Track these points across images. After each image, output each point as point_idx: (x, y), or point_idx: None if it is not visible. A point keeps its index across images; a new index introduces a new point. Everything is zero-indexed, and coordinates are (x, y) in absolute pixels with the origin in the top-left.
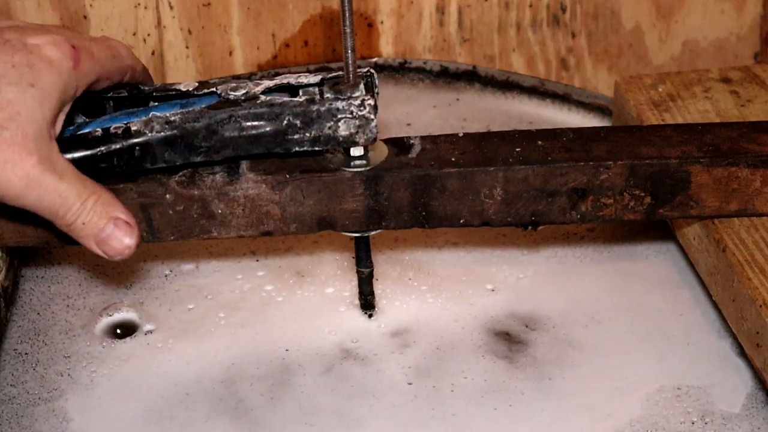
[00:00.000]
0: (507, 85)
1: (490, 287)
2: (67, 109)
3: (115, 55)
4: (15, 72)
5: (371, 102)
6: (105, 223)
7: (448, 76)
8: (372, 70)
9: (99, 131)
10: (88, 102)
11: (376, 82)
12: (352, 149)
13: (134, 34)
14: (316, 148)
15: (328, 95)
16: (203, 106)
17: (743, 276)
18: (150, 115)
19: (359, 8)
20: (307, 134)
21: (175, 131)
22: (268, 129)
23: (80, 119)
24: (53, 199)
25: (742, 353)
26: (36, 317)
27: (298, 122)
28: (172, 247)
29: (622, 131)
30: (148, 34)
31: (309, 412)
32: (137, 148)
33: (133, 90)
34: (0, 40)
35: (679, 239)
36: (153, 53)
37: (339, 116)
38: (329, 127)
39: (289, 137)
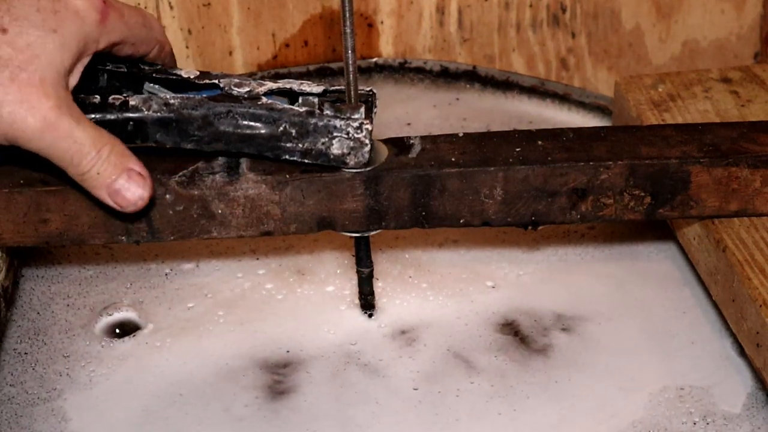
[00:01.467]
0: (507, 85)
1: (490, 284)
2: (86, 61)
3: (146, 24)
4: (39, 16)
5: (369, 127)
6: (119, 174)
7: (448, 76)
8: (374, 90)
9: (97, 98)
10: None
11: (376, 102)
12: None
13: None
14: (306, 161)
15: (327, 111)
16: (204, 95)
17: (743, 276)
18: (149, 94)
19: (359, 8)
20: (300, 145)
21: (171, 114)
22: (263, 131)
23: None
24: (69, 144)
25: (743, 353)
26: (36, 317)
27: (293, 131)
28: (172, 246)
29: (622, 131)
30: None
31: (308, 414)
32: (131, 123)
33: (133, 68)
34: None
35: (679, 239)
36: None
37: (335, 134)
38: (323, 143)
39: (282, 144)
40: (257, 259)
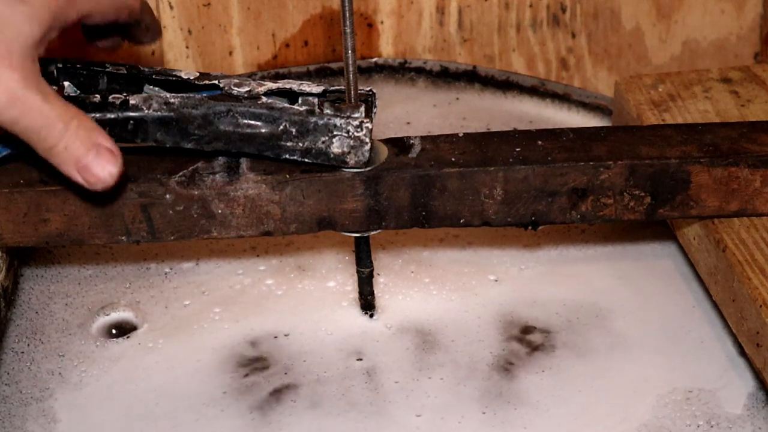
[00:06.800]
0: (507, 85)
1: (493, 278)
2: (53, 35)
3: None
4: None
5: (369, 126)
6: (87, 149)
7: (448, 76)
8: (373, 90)
9: (97, 97)
10: (81, 74)
11: (376, 102)
12: None
13: None
14: (306, 160)
15: (328, 111)
16: (204, 95)
17: (743, 276)
18: (149, 93)
19: (359, 8)
20: (300, 144)
21: (171, 113)
22: (263, 131)
23: (71, 90)
24: (35, 117)
25: (743, 353)
26: (34, 316)
27: (293, 130)
28: (172, 245)
29: (622, 131)
30: None
31: (304, 417)
32: (131, 122)
33: (132, 69)
34: None
35: (679, 239)
36: (153, 53)
37: (335, 133)
38: (323, 142)
39: (282, 143)
40: (258, 256)
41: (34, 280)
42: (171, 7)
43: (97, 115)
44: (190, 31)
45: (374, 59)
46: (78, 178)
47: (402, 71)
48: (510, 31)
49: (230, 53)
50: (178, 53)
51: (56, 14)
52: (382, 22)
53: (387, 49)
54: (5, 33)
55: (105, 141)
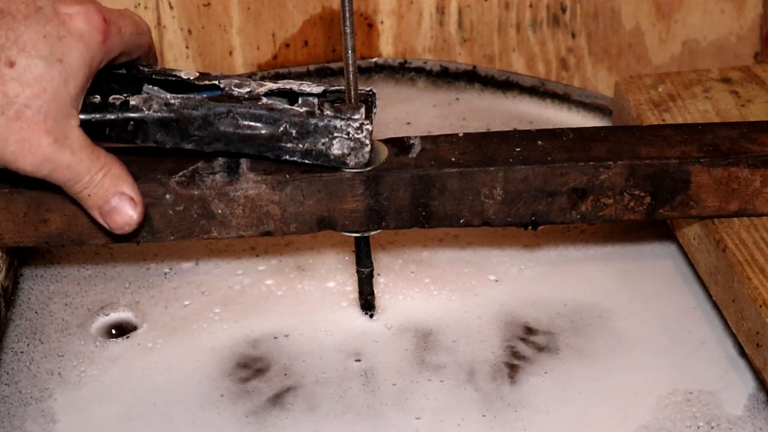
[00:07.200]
0: (507, 85)
1: (493, 278)
2: (88, 84)
3: (138, 31)
4: (45, 44)
5: (369, 127)
6: (110, 197)
7: (448, 76)
8: (373, 90)
9: (98, 98)
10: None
11: (376, 102)
12: None
13: None
14: (306, 161)
15: (328, 112)
16: (204, 95)
17: (743, 276)
18: (150, 93)
19: (359, 8)
20: (300, 145)
21: (172, 114)
22: (263, 132)
23: None
24: (64, 173)
25: (744, 353)
26: (34, 316)
27: (294, 131)
28: (172, 245)
29: (622, 131)
30: None
31: (304, 419)
32: (131, 123)
33: (132, 69)
34: (33, 7)
35: (679, 239)
36: None
37: (335, 134)
38: (323, 143)
39: (282, 144)
40: (257, 256)
41: (34, 280)
42: (171, 7)
43: (97, 116)
44: (190, 31)
45: (374, 59)
46: (102, 222)
47: (402, 71)
48: (510, 31)
49: (230, 53)
50: (178, 53)
51: (91, 65)
52: (382, 22)
53: (387, 49)
54: (44, 97)
55: (129, 190)
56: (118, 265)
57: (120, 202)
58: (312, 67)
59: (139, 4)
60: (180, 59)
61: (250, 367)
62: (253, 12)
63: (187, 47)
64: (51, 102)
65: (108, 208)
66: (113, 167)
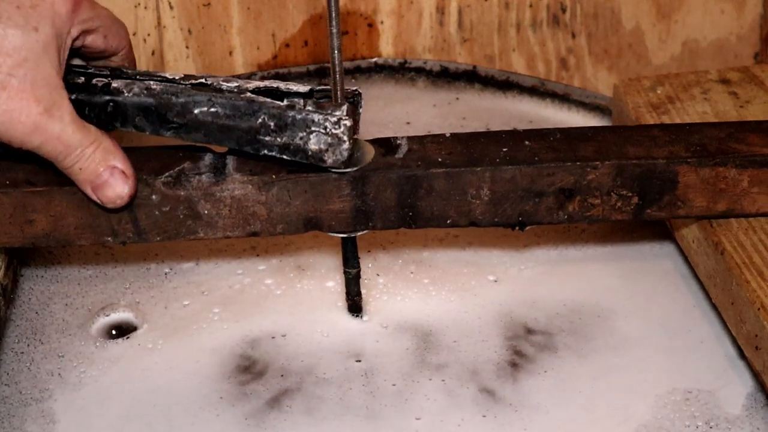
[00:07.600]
0: (507, 84)
1: (492, 278)
2: (65, 54)
3: (117, 21)
4: (20, 14)
5: (347, 123)
6: (101, 171)
7: (448, 76)
8: (359, 90)
9: (82, 78)
10: (69, 77)
11: (362, 102)
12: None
13: (134, 34)
14: (284, 157)
15: (309, 107)
16: (188, 84)
17: (742, 279)
18: (133, 80)
19: (359, 8)
20: (278, 139)
21: (152, 99)
22: (242, 123)
23: None
24: (55, 144)
25: (743, 355)
26: (34, 316)
27: (272, 124)
28: (173, 245)
29: (609, 131)
30: (148, 34)
31: (304, 421)
32: (111, 104)
33: (115, 70)
34: None
35: (678, 241)
36: (153, 53)
37: (312, 129)
38: (300, 138)
39: (261, 137)
40: (257, 255)
41: (34, 280)
42: (171, 7)
43: (79, 95)
44: (190, 31)
45: (374, 59)
46: (93, 197)
47: (402, 71)
48: (510, 31)
49: (230, 53)
50: (178, 53)
51: (62, 34)
52: (382, 22)
53: (387, 49)
54: (27, 65)
55: (120, 163)
56: (118, 265)
57: (111, 176)
58: (312, 67)
59: (139, 4)
60: (180, 59)
61: (250, 368)
62: (253, 12)
63: (187, 47)
64: (35, 71)
65: (99, 182)
66: (104, 141)
